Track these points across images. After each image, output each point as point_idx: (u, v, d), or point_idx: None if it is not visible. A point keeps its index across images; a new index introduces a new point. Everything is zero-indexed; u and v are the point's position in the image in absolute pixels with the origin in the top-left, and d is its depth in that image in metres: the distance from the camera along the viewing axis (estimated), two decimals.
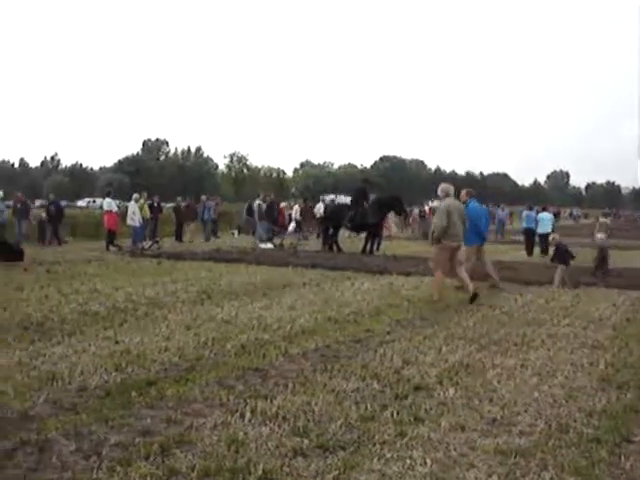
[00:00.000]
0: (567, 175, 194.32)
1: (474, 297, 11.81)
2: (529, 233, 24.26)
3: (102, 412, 5.43)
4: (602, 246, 16.87)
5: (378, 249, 22.75)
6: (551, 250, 16.53)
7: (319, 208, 29.02)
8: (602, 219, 19.09)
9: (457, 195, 13.53)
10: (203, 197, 32.28)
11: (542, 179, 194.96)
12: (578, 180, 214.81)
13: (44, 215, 26.07)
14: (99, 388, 6.13)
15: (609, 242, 17.37)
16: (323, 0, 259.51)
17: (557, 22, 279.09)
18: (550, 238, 17.27)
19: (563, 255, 14.84)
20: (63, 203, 32.56)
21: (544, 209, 26.28)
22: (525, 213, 25.56)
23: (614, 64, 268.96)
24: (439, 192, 12.79)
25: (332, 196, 36.44)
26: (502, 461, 4.64)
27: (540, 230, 23.20)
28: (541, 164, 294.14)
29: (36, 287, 12.64)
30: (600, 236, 17.32)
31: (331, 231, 23.94)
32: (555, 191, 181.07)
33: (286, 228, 30.13)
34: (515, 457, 4.69)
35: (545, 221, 23.43)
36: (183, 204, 30.11)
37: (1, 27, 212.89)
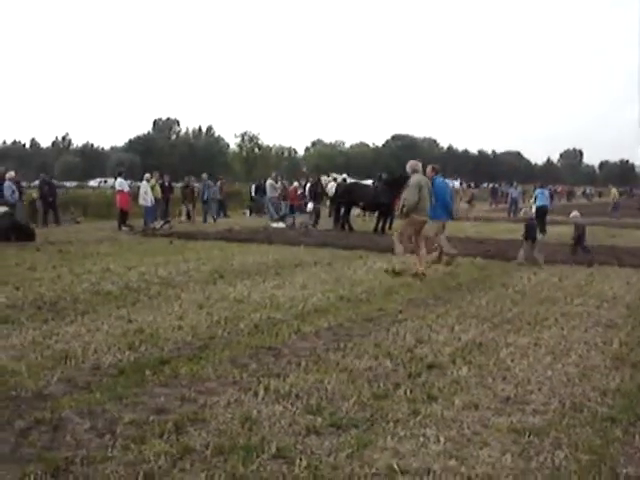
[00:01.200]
0: (580, 153, 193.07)
1: (417, 275, 12.00)
2: (543, 211, 24.00)
3: (116, 390, 5.45)
4: (577, 223, 16.93)
5: (390, 228, 22.69)
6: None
7: (331, 187, 28.80)
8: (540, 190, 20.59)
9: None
10: (204, 175, 30.43)
11: (555, 157, 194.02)
12: (592, 158, 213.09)
13: (35, 195, 25.74)
14: (113, 367, 6.15)
15: (585, 219, 17.60)
16: None
17: (569, 2, 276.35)
18: (522, 212, 17.27)
19: (531, 231, 14.97)
20: (73, 183, 32.20)
21: (541, 186, 26.20)
22: (538, 191, 25.29)
23: (628, 43, 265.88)
24: (407, 168, 13.24)
25: (339, 175, 35.68)
26: (515, 440, 4.64)
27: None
28: (554, 142, 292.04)
29: (49, 267, 12.69)
30: (574, 214, 17.53)
31: (343, 210, 23.87)
32: (568, 169, 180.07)
33: (299, 207, 29.86)
34: (529, 436, 4.68)
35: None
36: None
37: (15, 10, 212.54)
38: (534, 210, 22.50)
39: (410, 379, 5.94)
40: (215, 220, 28.49)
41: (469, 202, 34.25)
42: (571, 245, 16.54)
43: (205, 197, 29.01)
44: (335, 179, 32.87)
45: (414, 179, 12.71)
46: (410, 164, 13.21)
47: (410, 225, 12.75)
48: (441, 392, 5.60)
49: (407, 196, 12.66)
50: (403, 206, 12.67)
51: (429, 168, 14.50)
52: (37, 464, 4.11)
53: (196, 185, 29.43)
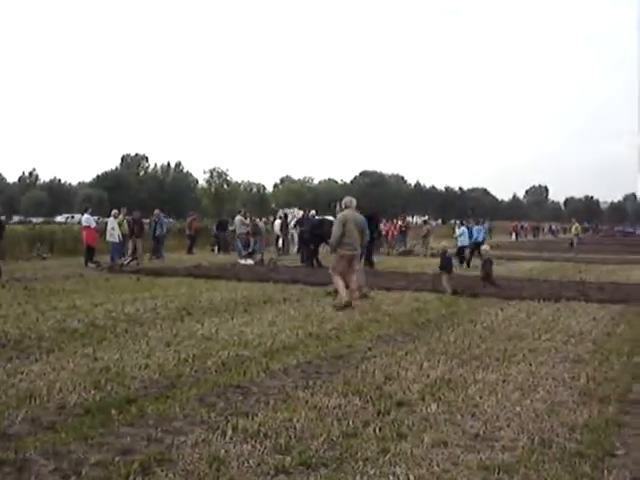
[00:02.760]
0: (546, 190, 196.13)
1: (346, 305, 12.51)
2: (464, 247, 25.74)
3: (81, 431, 5.35)
4: (485, 258, 17.93)
5: (372, 266, 22.83)
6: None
7: (291, 219, 28.58)
8: (462, 228, 21.61)
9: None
10: (156, 211, 29.29)
11: (521, 194, 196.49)
12: (557, 195, 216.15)
13: None
14: (78, 406, 6.05)
15: (493, 252, 18.62)
16: (302, 18, 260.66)
17: (536, 36, 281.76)
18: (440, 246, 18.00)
19: (447, 263, 16.26)
20: (40, 219, 31.10)
21: (477, 223, 28.50)
22: (461, 229, 26.72)
23: (592, 81, 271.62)
24: (342, 204, 13.86)
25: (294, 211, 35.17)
26: (485, 477, 4.62)
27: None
28: (520, 179, 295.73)
29: (14, 304, 12.52)
30: (484, 247, 18.52)
31: (312, 247, 23.89)
32: (534, 206, 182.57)
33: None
34: (498, 473, 4.67)
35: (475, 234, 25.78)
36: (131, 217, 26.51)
37: None
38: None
39: (379, 417, 5.92)
40: (157, 258, 27.01)
41: (424, 237, 34.77)
42: (481, 279, 17.33)
43: (157, 233, 28.12)
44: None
45: (339, 215, 13.51)
46: (344, 200, 13.79)
47: (339, 260, 13.24)
48: (410, 430, 5.58)
49: (333, 231, 13.28)
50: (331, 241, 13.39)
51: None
52: None
53: (145, 220, 28.12)
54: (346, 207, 13.48)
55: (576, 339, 9.92)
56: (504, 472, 4.68)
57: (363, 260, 22.63)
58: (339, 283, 13.09)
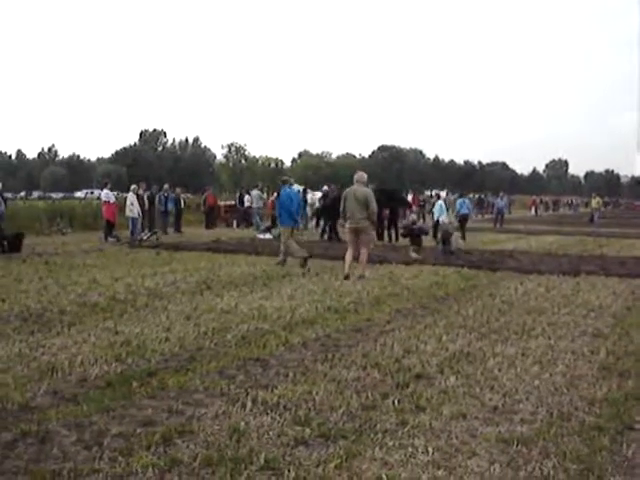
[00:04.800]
0: (566, 164, 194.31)
1: (345, 277, 13.12)
2: (464, 219, 25.80)
3: (103, 403, 5.42)
4: (444, 227, 18.90)
5: (381, 239, 22.82)
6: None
7: (313, 198, 28.54)
8: (439, 202, 21.45)
9: None
10: (165, 186, 28.95)
11: (541, 168, 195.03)
12: (577, 169, 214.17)
13: None
14: (99, 379, 6.12)
15: (452, 224, 19.55)
16: None
17: (556, 11, 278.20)
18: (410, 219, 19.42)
19: (414, 234, 17.88)
20: (59, 195, 30.94)
21: (461, 196, 28.78)
22: (459, 201, 26.74)
23: (614, 54, 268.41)
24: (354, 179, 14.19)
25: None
26: (504, 449, 4.64)
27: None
28: (540, 153, 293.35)
29: (35, 278, 12.63)
30: (442, 219, 19.36)
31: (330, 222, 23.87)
32: (554, 180, 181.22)
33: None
34: (517, 445, 4.69)
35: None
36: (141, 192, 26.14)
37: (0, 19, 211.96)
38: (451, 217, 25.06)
39: (398, 389, 5.94)
40: (166, 233, 26.52)
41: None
42: (442, 250, 18.32)
43: (164, 209, 27.85)
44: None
45: (344, 192, 14.21)
46: (355, 175, 14.15)
47: (346, 233, 14.18)
48: (429, 402, 5.60)
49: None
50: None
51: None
52: (24, 477, 4.08)
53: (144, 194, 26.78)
54: (356, 182, 13.84)
55: (596, 313, 9.89)
56: (523, 445, 4.70)
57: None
58: (345, 256, 13.68)
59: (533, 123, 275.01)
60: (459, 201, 26.47)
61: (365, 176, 14.04)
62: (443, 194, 56.41)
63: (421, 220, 36.40)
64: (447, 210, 24.34)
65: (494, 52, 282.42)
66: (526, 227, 34.93)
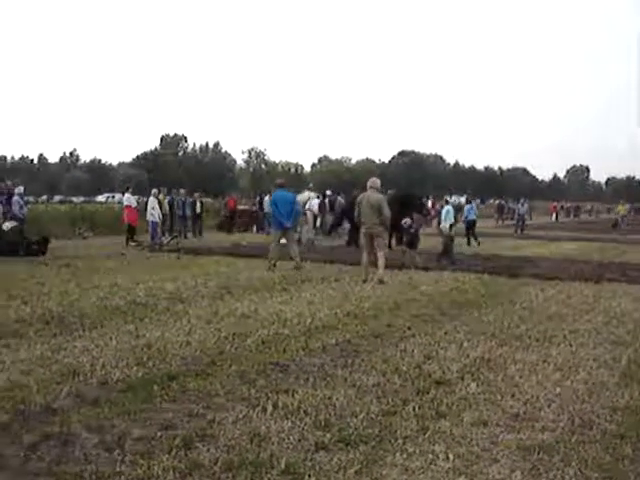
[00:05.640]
0: (587, 170, 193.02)
1: (364, 281, 13.35)
2: (473, 224, 26.12)
3: (124, 406, 5.45)
4: (445, 234, 18.53)
5: (400, 244, 22.73)
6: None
7: (314, 204, 28.32)
8: (446, 207, 20.67)
9: None
10: (182, 190, 29.34)
11: (562, 174, 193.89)
12: (598, 175, 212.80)
13: None
14: (121, 382, 6.15)
15: (452, 231, 18.95)
16: None
17: (579, 15, 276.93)
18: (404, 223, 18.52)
19: (410, 238, 17.81)
20: (80, 199, 30.99)
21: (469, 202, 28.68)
22: (467, 207, 27.08)
23: (635, 59, 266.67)
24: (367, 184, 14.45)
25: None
26: (525, 456, 4.62)
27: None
28: (560, 159, 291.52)
29: (57, 281, 12.73)
30: (443, 224, 18.91)
31: (348, 226, 23.83)
32: (575, 185, 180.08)
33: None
34: (538, 453, 4.67)
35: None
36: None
37: (20, 23, 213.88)
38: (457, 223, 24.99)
39: (419, 395, 5.93)
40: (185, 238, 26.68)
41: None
42: (439, 254, 18.04)
43: (182, 213, 27.95)
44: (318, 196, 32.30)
45: (358, 197, 14.46)
46: (368, 181, 14.45)
47: (362, 237, 14.44)
48: (450, 409, 5.59)
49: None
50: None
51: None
52: (46, 478, 4.12)
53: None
54: (369, 187, 14.14)
55: (617, 320, 9.82)
56: (544, 452, 4.68)
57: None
58: (362, 259, 14.04)
59: (554, 128, 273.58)
60: (467, 207, 26.91)
61: (378, 182, 14.35)
62: (463, 200, 56.31)
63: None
64: (456, 215, 24.79)
65: (516, 57, 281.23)
66: (547, 233, 34.74)
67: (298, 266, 15.39)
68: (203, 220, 29.93)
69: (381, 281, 13.30)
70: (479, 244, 24.52)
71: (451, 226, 25.81)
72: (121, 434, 4.84)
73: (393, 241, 22.61)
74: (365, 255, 13.97)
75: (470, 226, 25.75)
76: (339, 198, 30.55)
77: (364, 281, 13.31)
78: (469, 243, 24.84)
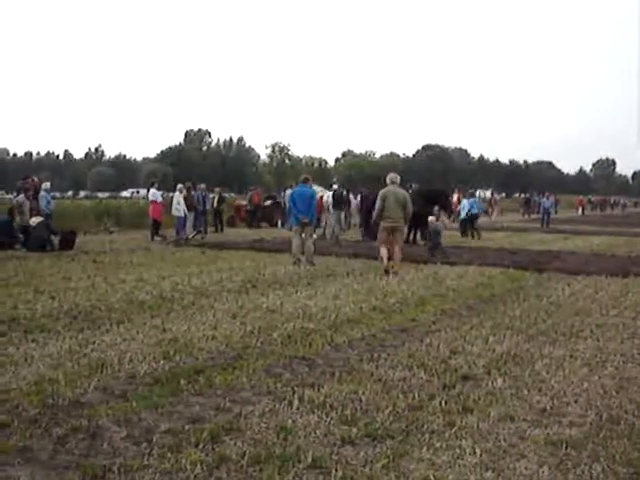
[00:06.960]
0: (613, 163, 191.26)
1: (395, 273, 13.58)
2: (475, 217, 26.90)
3: (152, 399, 5.49)
4: (432, 226, 18.62)
5: (424, 239, 22.67)
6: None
7: (327, 197, 28.13)
8: (464, 200, 22.02)
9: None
10: (202, 185, 27.72)
11: (588, 167, 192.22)
12: (625, 168, 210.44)
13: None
14: (148, 376, 6.20)
15: (441, 225, 19.09)
16: None
17: (604, 6, 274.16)
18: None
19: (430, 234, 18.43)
20: (106, 194, 31.16)
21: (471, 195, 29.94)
22: (471, 200, 27.67)
23: None
24: (387, 180, 14.75)
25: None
26: (552, 452, 4.60)
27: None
28: (587, 153, 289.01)
29: (83, 276, 12.83)
30: (432, 219, 18.99)
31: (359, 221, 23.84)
32: (601, 179, 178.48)
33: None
34: (566, 448, 4.64)
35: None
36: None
37: (50, 21, 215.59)
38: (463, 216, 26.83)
39: (445, 390, 5.92)
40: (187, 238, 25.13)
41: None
42: (429, 248, 18.32)
43: (202, 208, 26.91)
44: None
45: (381, 191, 14.50)
46: (388, 177, 14.81)
47: (382, 231, 14.38)
48: (476, 403, 5.57)
49: (376, 206, 14.46)
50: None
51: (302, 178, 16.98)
52: (75, 471, 4.16)
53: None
54: (392, 183, 14.49)
55: None
56: (572, 447, 4.65)
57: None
58: (381, 252, 14.18)
59: (580, 122, 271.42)
60: (470, 201, 27.48)
61: (398, 177, 14.79)
62: (488, 194, 56.06)
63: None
64: (473, 207, 26.10)
65: (540, 50, 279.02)
66: (573, 227, 34.47)
67: (309, 263, 15.37)
68: (223, 215, 29.79)
69: (396, 273, 13.54)
70: (478, 238, 25.06)
71: (464, 220, 26.60)
72: (149, 427, 4.88)
73: (417, 236, 22.58)
74: (384, 247, 14.15)
75: (472, 220, 26.45)
76: (344, 192, 30.15)
77: (386, 271, 13.54)
78: (469, 235, 25.64)
